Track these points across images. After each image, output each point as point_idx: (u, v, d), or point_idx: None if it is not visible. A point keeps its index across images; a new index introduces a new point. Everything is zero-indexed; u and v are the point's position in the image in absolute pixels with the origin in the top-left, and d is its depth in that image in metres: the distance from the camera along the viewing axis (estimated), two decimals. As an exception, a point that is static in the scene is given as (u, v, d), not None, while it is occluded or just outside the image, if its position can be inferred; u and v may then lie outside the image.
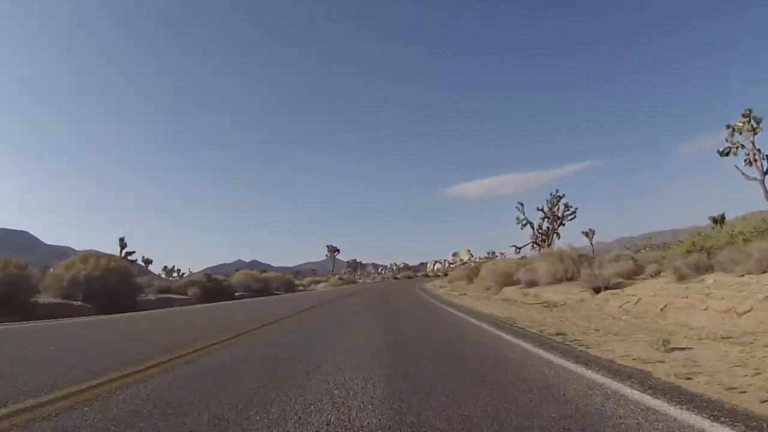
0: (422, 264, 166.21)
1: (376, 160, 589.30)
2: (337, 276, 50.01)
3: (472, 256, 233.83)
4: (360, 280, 76.03)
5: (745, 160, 16.52)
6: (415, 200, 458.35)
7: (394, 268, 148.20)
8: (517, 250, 33.62)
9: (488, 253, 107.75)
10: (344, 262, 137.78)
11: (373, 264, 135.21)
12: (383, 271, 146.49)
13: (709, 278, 8.79)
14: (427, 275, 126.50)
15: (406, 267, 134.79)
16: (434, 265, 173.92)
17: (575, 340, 5.71)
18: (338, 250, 63.37)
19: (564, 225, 32.73)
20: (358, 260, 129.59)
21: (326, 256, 63.76)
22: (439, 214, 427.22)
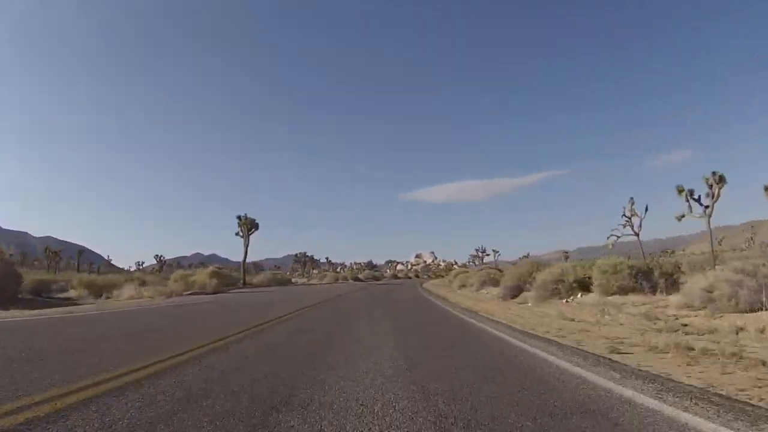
0: (389, 262, 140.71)
1: (340, 161, 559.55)
2: (210, 269, 23.44)
3: (436, 258, 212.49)
4: (300, 281, 49.12)
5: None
6: (377, 202, 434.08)
7: (355, 267, 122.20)
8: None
9: (477, 250, 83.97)
10: (292, 255, 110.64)
11: (327, 260, 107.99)
12: (341, 270, 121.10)
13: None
14: (396, 276, 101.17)
15: (371, 266, 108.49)
16: (396, 266, 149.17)
17: None
18: (256, 226, 36.25)
19: None
20: (308, 254, 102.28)
21: (237, 233, 36.54)
22: (400, 217, 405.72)
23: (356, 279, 63.17)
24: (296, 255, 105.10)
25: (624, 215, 25.15)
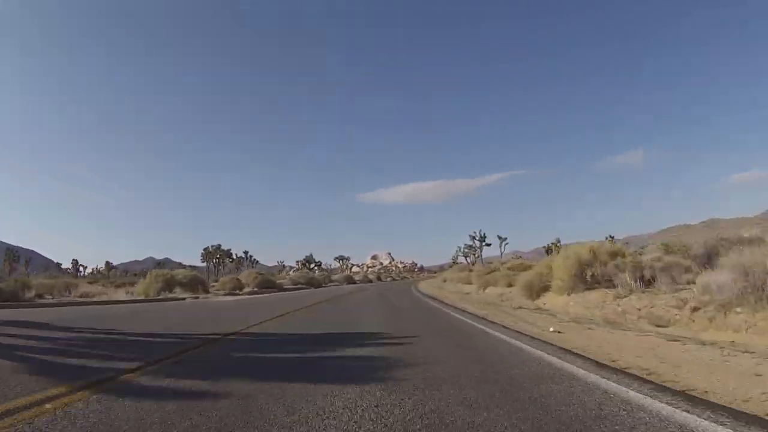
0: (339, 259, 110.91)
1: (293, 162, 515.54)
2: None
3: (393, 259, 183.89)
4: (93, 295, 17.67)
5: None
6: (326, 203, 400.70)
7: (299, 267, 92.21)
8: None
9: (473, 237, 56.56)
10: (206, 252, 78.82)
11: (246, 255, 76.38)
12: (285, 271, 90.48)
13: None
14: (352, 280, 71.83)
15: (308, 264, 77.20)
16: (351, 267, 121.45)
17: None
18: None
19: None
20: (224, 247, 71.11)
21: None
22: (353, 218, 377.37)
23: (264, 287, 32.68)
24: (206, 249, 72.49)
25: None
